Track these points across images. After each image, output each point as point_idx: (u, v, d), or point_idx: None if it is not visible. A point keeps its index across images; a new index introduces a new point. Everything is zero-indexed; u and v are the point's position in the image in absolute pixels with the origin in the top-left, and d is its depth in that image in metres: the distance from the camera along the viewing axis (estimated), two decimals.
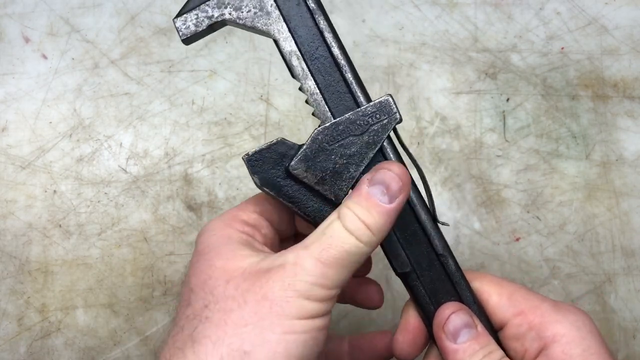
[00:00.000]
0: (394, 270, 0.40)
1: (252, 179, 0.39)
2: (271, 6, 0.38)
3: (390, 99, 0.38)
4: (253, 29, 0.38)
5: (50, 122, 0.63)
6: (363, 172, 0.38)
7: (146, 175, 0.62)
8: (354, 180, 0.38)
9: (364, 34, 0.66)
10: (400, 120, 0.38)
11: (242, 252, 0.37)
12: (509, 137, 0.64)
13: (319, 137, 0.38)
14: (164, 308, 0.60)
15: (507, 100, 0.65)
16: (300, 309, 0.34)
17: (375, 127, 0.38)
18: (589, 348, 0.36)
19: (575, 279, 0.61)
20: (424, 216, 0.40)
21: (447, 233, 0.61)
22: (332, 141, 0.38)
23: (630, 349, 0.60)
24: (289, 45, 0.38)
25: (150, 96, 0.64)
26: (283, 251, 0.36)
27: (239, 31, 0.65)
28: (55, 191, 0.61)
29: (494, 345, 0.38)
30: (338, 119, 0.38)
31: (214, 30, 0.39)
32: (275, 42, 0.39)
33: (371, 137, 0.38)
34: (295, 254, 0.35)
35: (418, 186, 0.41)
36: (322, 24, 0.38)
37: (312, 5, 0.38)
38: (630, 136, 0.64)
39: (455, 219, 0.62)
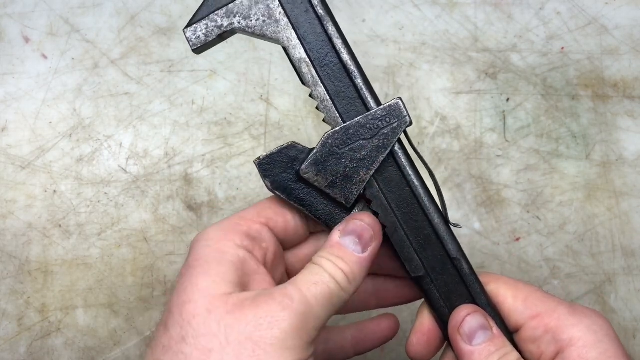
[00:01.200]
0: (408, 274, 0.40)
1: (264, 182, 0.39)
2: (280, 14, 0.38)
3: (400, 103, 0.38)
4: (262, 37, 0.38)
5: (50, 122, 0.63)
6: (374, 176, 0.38)
7: (146, 175, 0.62)
8: (364, 184, 0.38)
9: (364, 34, 0.66)
10: (411, 124, 0.38)
11: (231, 276, 0.35)
12: (509, 137, 0.64)
13: (329, 141, 0.38)
14: (164, 308, 0.60)
15: (507, 100, 0.65)
16: (283, 353, 0.32)
17: (385, 131, 0.38)
18: (606, 352, 0.36)
19: (576, 279, 0.61)
20: (436, 219, 0.39)
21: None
22: (342, 145, 0.38)
23: (631, 349, 0.60)
24: (298, 52, 0.38)
25: (150, 96, 0.64)
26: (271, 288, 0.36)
27: None
28: (55, 191, 0.61)
29: (509, 347, 0.38)
30: (348, 122, 0.38)
31: (224, 39, 0.40)
32: (285, 49, 0.39)
33: (381, 141, 0.38)
34: (282, 288, 0.35)
35: (430, 189, 0.40)
36: (331, 30, 0.39)
37: (320, 11, 0.39)
38: (631, 136, 0.64)
39: (455, 219, 0.62)
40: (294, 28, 0.38)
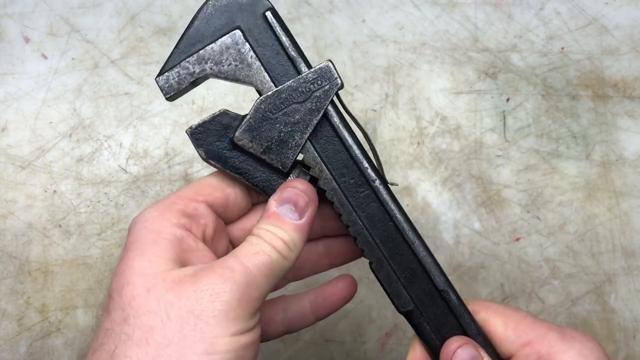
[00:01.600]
0: (397, 309, 0.40)
1: (197, 152, 0.38)
2: (252, 57, 0.38)
3: (331, 64, 0.38)
4: (236, 81, 0.38)
5: (50, 122, 0.63)
6: (309, 139, 0.38)
7: (146, 175, 0.62)
8: (300, 148, 0.37)
9: (364, 34, 0.66)
10: (342, 86, 0.38)
11: (168, 254, 0.35)
12: (509, 137, 0.64)
13: (262, 107, 0.37)
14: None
15: (507, 100, 0.65)
16: (226, 324, 0.32)
17: (317, 94, 0.37)
18: None
19: (576, 279, 0.61)
20: (422, 253, 0.39)
21: (448, 233, 0.61)
22: (275, 110, 0.37)
23: (631, 349, 0.60)
24: (269, 89, 0.39)
25: (150, 96, 0.64)
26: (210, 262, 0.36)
27: None
28: (55, 191, 0.61)
29: None
30: (280, 87, 0.37)
31: (197, 85, 0.39)
32: (259, 92, 0.39)
33: (314, 104, 0.37)
34: (222, 260, 0.35)
35: (372, 159, 0.40)
36: (304, 69, 0.38)
37: (292, 53, 0.38)
38: (631, 136, 0.64)
39: (456, 219, 0.62)
40: (266, 71, 0.38)
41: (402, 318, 0.61)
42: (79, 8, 0.66)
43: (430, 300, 0.39)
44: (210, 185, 0.39)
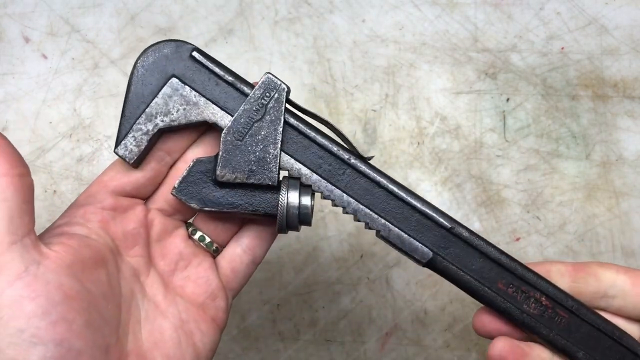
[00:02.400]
0: (419, 263, 0.40)
1: (191, 206, 0.40)
2: (195, 96, 0.39)
3: (270, 75, 0.39)
4: (190, 124, 0.40)
5: (50, 122, 0.63)
6: (282, 147, 0.39)
7: None
8: (278, 158, 0.39)
9: (364, 34, 0.66)
10: (289, 89, 0.39)
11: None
12: (509, 137, 0.64)
13: (228, 138, 0.39)
14: None
15: (507, 100, 0.65)
16: None
17: (270, 105, 0.39)
18: None
19: None
20: (419, 204, 0.40)
21: None
22: (241, 136, 0.39)
23: None
24: (226, 119, 0.40)
25: None
26: None
27: (238, 31, 0.66)
28: (55, 191, 0.61)
29: None
30: (235, 114, 0.39)
31: (155, 142, 0.40)
32: (215, 124, 0.40)
33: (272, 115, 0.39)
34: None
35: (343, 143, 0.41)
36: (246, 90, 0.40)
37: (229, 79, 0.40)
38: (631, 136, 0.64)
39: (456, 218, 0.62)
40: (214, 103, 0.40)
41: (402, 318, 0.61)
42: (79, 8, 0.66)
43: (445, 242, 0.40)
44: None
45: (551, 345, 0.39)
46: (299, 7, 0.66)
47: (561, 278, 0.40)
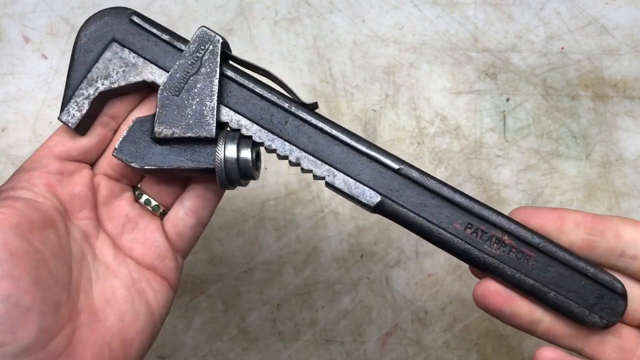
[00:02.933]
0: (368, 208, 0.39)
1: (132, 166, 0.39)
2: (134, 58, 0.40)
3: (205, 28, 0.39)
4: (130, 85, 0.40)
5: (51, 122, 0.63)
6: (221, 100, 0.39)
7: None
8: (215, 110, 0.38)
9: (364, 34, 0.66)
10: (225, 40, 0.39)
11: None
12: (509, 137, 0.64)
13: (164, 94, 0.39)
14: None
15: (507, 100, 0.65)
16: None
17: (205, 57, 0.39)
18: None
19: None
20: (363, 147, 0.39)
21: None
22: (177, 90, 0.39)
23: None
24: (165, 78, 0.40)
25: None
26: None
27: (238, 31, 0.66)
28: None
29: None
30: (171, 69, 0.39)
31: (99, 107, 0.40)
32: (154, 83, 0.40)
33: (207, 67, 0.39)
34: None
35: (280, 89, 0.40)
36: (167, 37, 0.40)
37: (165, 38, 0.40)
38: (631, 136, 0.64)
39: None
40: (152, 62, 0.40)
41: (402, 318, 0.61)
42: (79, 8, 0.66)
43: (394, 184, 0.38)
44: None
45: (518, 287, 0.36)
46: (299, 7, 0.66)
47: (575, 228, 0.37)
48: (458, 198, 0.38)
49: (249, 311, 0.60)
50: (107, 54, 0.40)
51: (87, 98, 0.39)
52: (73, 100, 0.39)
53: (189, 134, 0.38)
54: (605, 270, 0.37)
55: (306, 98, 0.64)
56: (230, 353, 0.60)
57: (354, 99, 0.64)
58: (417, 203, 0.38)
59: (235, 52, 0.65)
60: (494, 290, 0.37)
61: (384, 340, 0.60)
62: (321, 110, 0.64)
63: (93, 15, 0.40)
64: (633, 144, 0.64)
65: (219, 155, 0.38)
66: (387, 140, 0.64)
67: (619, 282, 0.37)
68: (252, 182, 0.41)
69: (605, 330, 0.36)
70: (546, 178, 0.63)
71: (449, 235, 0.37)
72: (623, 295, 0.37)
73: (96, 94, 0.39)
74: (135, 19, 0.40)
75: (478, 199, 0.63)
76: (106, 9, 0.41)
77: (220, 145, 0.38)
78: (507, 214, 0.38)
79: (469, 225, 0.37)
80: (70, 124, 0.39)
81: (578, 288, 0.36)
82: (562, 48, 0.66)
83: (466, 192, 0.62)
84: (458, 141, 0.64)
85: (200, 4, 0.66)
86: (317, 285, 0.61)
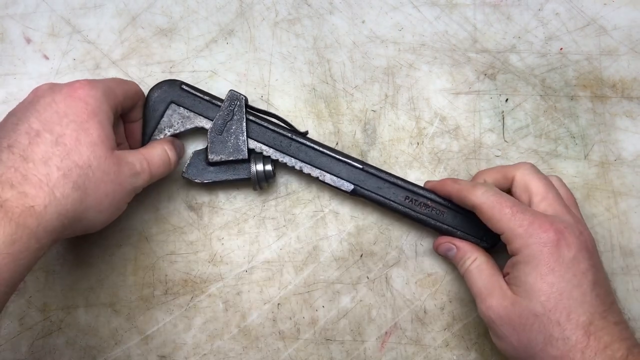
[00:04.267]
0: (347, 193, 0.59)
1: (197, 182, 0.60)
2: (187, 112, 0.60)
3: (233, 91, 0.59)
4: (187, 130, 0.60)
5: None
6: (248, 135, 0.59)
7: None
8: (246, 142, 0.59)
9: (363, 35, 0.66)
10: (246, 98, 0.59)
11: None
12: (508, 137, 0.64)
13: (212, 134, 0.59)
14: (164, 307, 0.60)
15: (506, 100, 0.65)
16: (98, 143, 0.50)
17: (236, 109, 0.59)
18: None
19: None
20: (335, 154, 0.60)
21: None
22: (219, 132, 0.59)
23: None
24: (209, 124, 0.60)
25: None
26: None
27: (239, 32, 0.66)
28: None
29: (471, 253, 0.56)
30: (214, 119, 0.59)
31: None
32: (203, 128, 0.60)
33: (238, 115, 0.59)
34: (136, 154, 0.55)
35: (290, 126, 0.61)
36: (213, 99, 0.61)
37: (206, 98, 0.60)
38: (629, 136, 0.64)
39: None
40: (199, 115, 0.60)
41: (401, 317, 0.61)
42: (81, 9, 0.66)
43: (361, 177, 0.60)
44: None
45: (440, 230, 0.59)
46: (299, 8, 0.67)
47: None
48: (400, 182, 0.59)
49: (249, 310, 0.61)
50: (169, 111, 0.60)
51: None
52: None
53: (230, 158, 0.59)
54: None
55: (306, 99, 0.64)
56: (231, 352, 0.60)
57: (353, 99, 0.65)
58: (376, 187, 0.59)
59: (235, 52, 0.65)
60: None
61: (384, 339, 0.60)
62: (321, 110, 0.64)
63: (155, 85, 0.60)
64: (631, 144, 0.64)
65: (252, 169, 0.59)
66: (387, 140, 0.64)
67: None
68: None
69: (490, 249, 0.58)
70: None
71: (396, 204, 0.59)
72: None
73: (165, 138, 0.60)
74: (184, 87, 0.60)
75: None
76: (162, 81, 0.60)
77: (252, 163, 0.59)
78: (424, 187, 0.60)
79: (407, 197, 0.59)
80: None
81: (472, 227, 0.58)
82: (561, 49, 0.66)
83: None
84: (457, 141, 0.64)
85: (200, 4, 0.66)
86: (317, 285, 0.61)
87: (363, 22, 0.67)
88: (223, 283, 0.61)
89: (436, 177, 0.63)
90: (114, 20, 0.66)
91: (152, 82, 0.64)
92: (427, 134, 0.64)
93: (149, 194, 0.62)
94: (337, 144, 0.64)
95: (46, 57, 0.65)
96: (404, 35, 0.66)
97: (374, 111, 0.65)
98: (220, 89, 0.64)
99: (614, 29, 0.67)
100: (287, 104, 0.64)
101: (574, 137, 0.64)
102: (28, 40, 0.65)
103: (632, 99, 0.65)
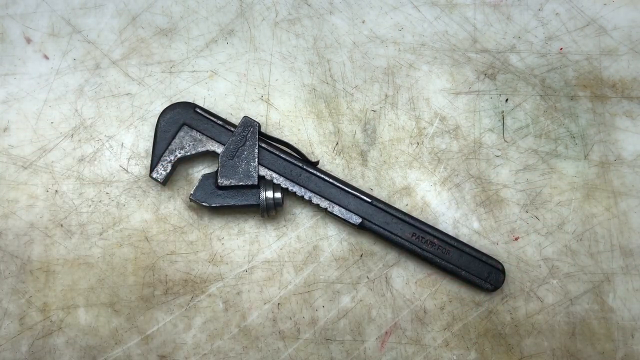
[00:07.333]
0: (354, 226, 0.60)
1: (204, 205, 0.59)
2: (199, 135, 0.60)
3: (247, 118, 0.60)
4: (198, 154, 0.60)
5: (52, 122, 0.63)
6: (259, 161, 0.59)
7: (147, 175, 0.62)
8: (257, 168, 0.59)
9: (363, 35, 0.66)
10: (259, 125, 0.60)
11: None
12: (507, 137, 0.64)
13: (223, 159, 0.59)
14: (165, 307, 0.60)
15: (506, 100, 0.65)
16: None
17: (249, 135, 0.60)
18: None
19: (574, 279, 0.61)
20: (346, 186, 0.60)
21: (447, 230, 0.61)
22: (231, 156, 0.59)
23: (629, 347, 0.60)
24: (221, 148, 0.60)
25: (151, 96, 0.64)
26: None
27: (239, 32, 0.66)
28: (56, 191, 0.62)
29: None
30: (226, 144, 0.59)
31: (176, 167, 0.61)
32: (214, 152, 0.60)
33: (250, 141, 0.59)
34: None
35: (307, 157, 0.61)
36: (225, 124, 0.61)
37: (220, 123, 0.60)
38: (629, 136, 0.64)
39: (455, 218, 0.62)
40: (211, 139, 0.60)
41: (401, 317, 0.61)
42: (81, 9, 0.66)
43: (369, 211, 0.60)
44: None
45: (444, 269, 0.60)
46: (299, 8, 0.67)
47: None
48: (407, 219, 0.60)
49: (250, 310, 0.61)
50: (181, 133, 0.60)
51: (170, 162, 0.60)
52: (160, 164, 0.59)
53: (240, 183, 0.59)
54: (492, 257, 0.61)
55: (306, 99, 0.64)
56: (231, 352, 0.60)
57: (353, 99, 0.65)
58: (383, 221, 0.60)
59: (235, 52, 0.65)
60: None
61: (384, 339, 0.60)
62: (321, 110, 0.65)
63: (167, 107, 0.60)
64: (631, 144, 0.64)
65: (262, 196, 0.59)
66: (387, 140, 0.64)
67: (500, 263, 0.60)
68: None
69: (493, 292, 0.60)
70: (545, 178, 0.63)
71: (402, 240, 0.59)
72: (503, 271, 0.60)
73: (175, 159, 0.60)
74: (198, 110, 0.60)
75: (477, 198, 0.63)
76: (176, 103, 0.61)
77: (262, 190, 0.59)
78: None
79: (414, 234, 0.59)
80: (159, 180, 0.59)
81: (477, 268, 0.59)
82: (561, 49, 0.66)
83: (465, 191, 0.63)
84: (457, 141, 0.64)
85: (200, 4, 0.66)
86: (317, 285, 0.61)
87: (363, 22, 0.67)
88: (223, 283, 0.61)
89: (436, 177, 0.63)
90: (114, 20, 0.66)
91: (152, 82, 0.64)
92: (427, 134, 0.64)
93: (149, 193, 0.62)
94: (337, 143, 0.64)
95: (46, 57, 0.65)
96: (404, 35, 0.66)
97: (374, 111, 0.65)
98: (220, 89, 0.64)
99: (614, 29, 0.67)
100: (287, 104, 0.64)
101: (574, 137, 0.64)
102: (28, 40, 0.65)
103: (632, 99, 0.65)
